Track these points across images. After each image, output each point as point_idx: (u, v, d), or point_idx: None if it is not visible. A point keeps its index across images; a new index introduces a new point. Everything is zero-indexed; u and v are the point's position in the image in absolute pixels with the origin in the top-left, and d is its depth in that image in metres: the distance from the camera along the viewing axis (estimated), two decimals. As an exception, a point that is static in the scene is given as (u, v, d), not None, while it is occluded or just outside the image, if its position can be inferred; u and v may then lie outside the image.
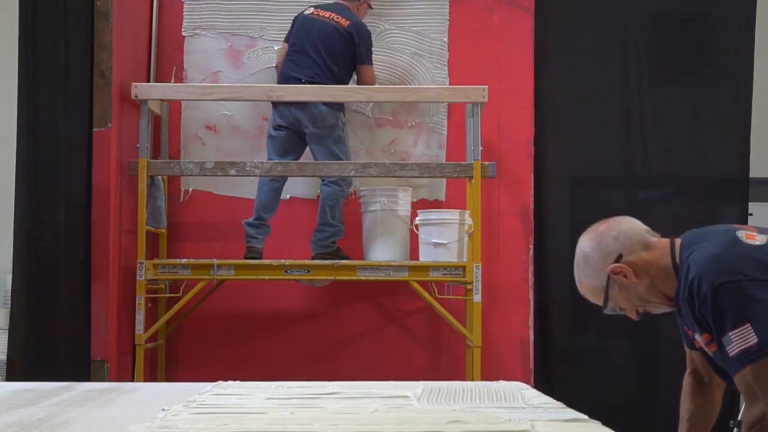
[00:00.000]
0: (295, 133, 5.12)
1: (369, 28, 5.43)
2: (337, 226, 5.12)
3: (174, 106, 5.45)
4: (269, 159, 5.13)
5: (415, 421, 1.80)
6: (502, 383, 2.58)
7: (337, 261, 4.95)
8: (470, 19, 5.55)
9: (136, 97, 4.85)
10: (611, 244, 2.49)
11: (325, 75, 5.07)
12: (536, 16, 5.51)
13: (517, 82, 5.47)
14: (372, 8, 5.40)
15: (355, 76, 5.23)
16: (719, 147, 5.50)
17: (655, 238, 2.50)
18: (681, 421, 2.71)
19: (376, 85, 5.33)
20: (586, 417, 1.90)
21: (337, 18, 5.15)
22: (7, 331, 4.65)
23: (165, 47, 5.52)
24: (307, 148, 5.18)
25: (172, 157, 5.41)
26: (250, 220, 5.10)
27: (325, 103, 5.03)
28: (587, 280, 2.53)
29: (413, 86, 5.41)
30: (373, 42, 5.40)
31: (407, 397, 2.14)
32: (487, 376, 4.76)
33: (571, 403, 2.06)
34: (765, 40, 5.76)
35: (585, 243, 2.55)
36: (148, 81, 5.38)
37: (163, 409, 1.93)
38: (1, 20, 5.41)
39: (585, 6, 5.59)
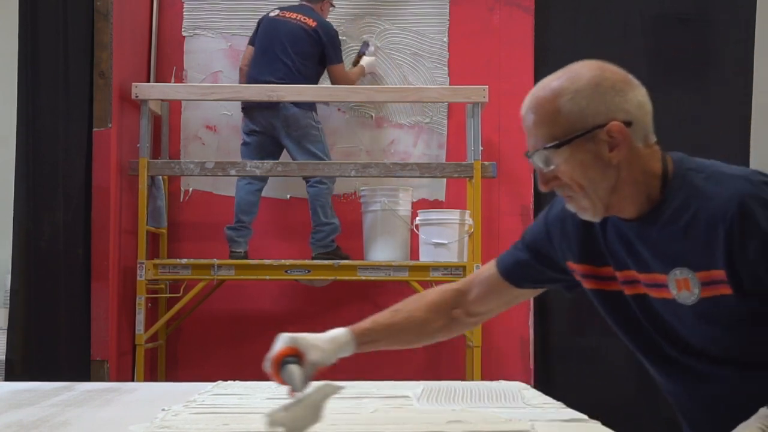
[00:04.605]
0: (270, 136, 5.10)
1: (369, 27, 5.43)
2: (333, 222, 5.11)
3: (174, 106, 5.45)
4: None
5: (415, 421, 1.80)
6: (502, 383, 2.58)
7: (337, 261, 4.94)
8: (470, 19, 5.54)
9: (136, 97, 4.85)
10: (631, 101, 1.82)
11: (295, 76, 5.05)
12: (536, 16, 5.50)
13: (517, 82, 5.47)
14: (334, 6, 5.35)
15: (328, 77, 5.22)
16: (719, 147, 5.49)
17: (654, 139, 1.85)
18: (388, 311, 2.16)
19: (377, 86, 5.33)
20: (586, 417, 1.90)
21: (304, 19, 5.13)
22: (6, 331, 4.66)
23: (165, 47, 5.52)
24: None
25: (172, 157, 5.41)
26: (232, 224, 5.10)
27: (296, 105, 5.01)
28: (568, 105, 1.83)
29: (413, 86, 5.41)
30: (374, 42, 5.38)
31: (407, 397, 2.14)
32: (487, 376, 4.76)
33: (571, 403, 2.06)
34: (765, 40, 5.76)
35: (607, 71, 1.89)
36: (148, 81, 5.38)
37: (163, 409, 1.93)
38: (1, 20, 5.41)
39: (585, 6, 5.59)
